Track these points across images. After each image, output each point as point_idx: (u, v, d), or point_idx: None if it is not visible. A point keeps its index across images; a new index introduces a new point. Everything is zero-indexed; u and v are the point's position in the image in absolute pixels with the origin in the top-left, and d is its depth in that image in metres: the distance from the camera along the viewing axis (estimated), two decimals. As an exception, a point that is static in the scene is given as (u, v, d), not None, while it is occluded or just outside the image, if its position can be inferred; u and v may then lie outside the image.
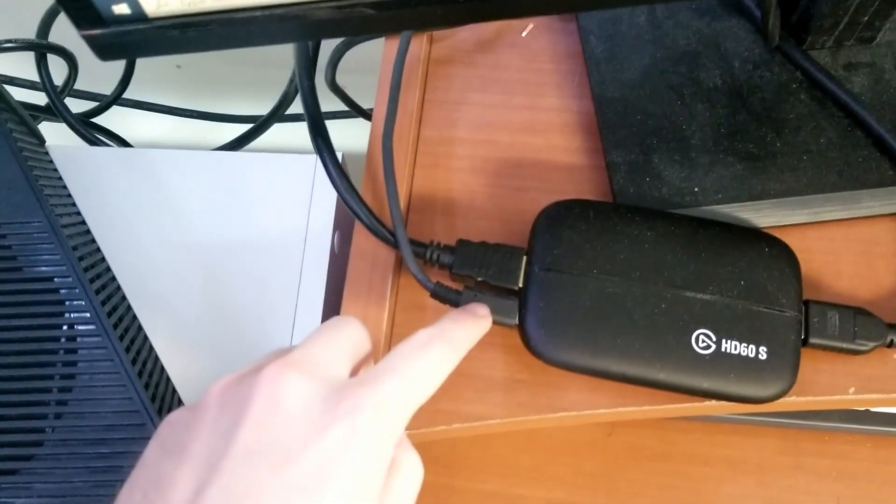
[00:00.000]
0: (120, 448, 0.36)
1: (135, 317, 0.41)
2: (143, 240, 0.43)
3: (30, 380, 0.37)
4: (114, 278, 0.42)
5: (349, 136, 0.56)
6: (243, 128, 0.55)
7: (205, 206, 0.44)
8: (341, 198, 0.35)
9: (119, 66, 0.57)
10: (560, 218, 0.33)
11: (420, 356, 0.25)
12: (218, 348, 0.40)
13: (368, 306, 0.35)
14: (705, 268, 0.31)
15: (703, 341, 0.30)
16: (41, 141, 0.47)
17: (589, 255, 0.32)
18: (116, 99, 0.58)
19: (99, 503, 0.35)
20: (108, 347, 0.37)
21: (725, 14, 0.39)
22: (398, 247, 0.34)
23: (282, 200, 0.44)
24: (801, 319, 0.31)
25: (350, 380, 0.24)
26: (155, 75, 0.70)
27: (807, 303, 0.32)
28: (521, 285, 0.32)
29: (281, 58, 0.49)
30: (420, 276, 0.33)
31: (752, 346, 0.30)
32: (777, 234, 0.33)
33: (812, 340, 0.31)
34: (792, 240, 0.33)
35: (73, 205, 0.44)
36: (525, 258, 0.33)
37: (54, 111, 0.54)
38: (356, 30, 0.27)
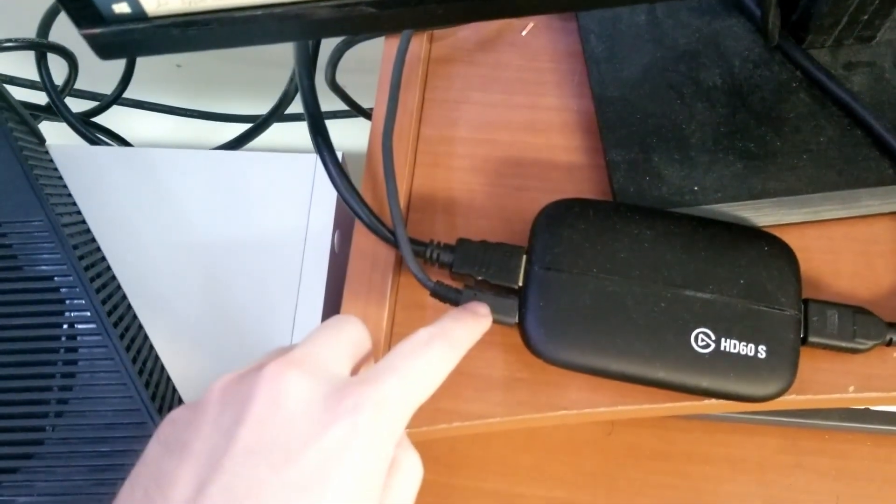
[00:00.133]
0: (120, 447, 0.36)
1: (135, 316, 0.41)
2: (143, 239, 0.43)
3: (30, 378, 0.37)
4: (114, 277, 0.42)
5: (349, 136, 0.56)
6: (243, 127, 0.55)
7: (205, 206, 0.44)
8: (341, 197, 0.35)
9: (119, 65, 0.57)
10: (560, 217, 0.33)
11: (421, 355, 0.25)
12: (218, 347, 0.40)
13: (368, 305, 0.35)
14: (705, 267, 0.31)
15: (703, 340, 0.30)
16: (41, 140, 0.47)
17: (589, 254, 0.32)
18: (117, 98, 0.58)
19: (99, 502, 0.35)
20: (108, 346, 0.38)
21: (725, 13, 0.39)
22: (398, 246, 0.34)
23: (282, 200, 0.44)
24: (800, 318, 0.31)
25: (351, 379, 0.24)
26: (155, 75, 0.70)
27: (806, 301, 0.32)
28: (521, 284, 0.32)
29: (281, 57, 0.49)
30: (420, 275, 0.33)
31: (752, 345, 0.30)
32: (776, 232, 0.33)
33: (811, 339, 0.31)
34: (791, 239, 0.33)
35: (74, 204, 0.44)
36: (525, 257, 0.33)
37: (55, 110, 0.54)
38: (356, 29, 0.27)
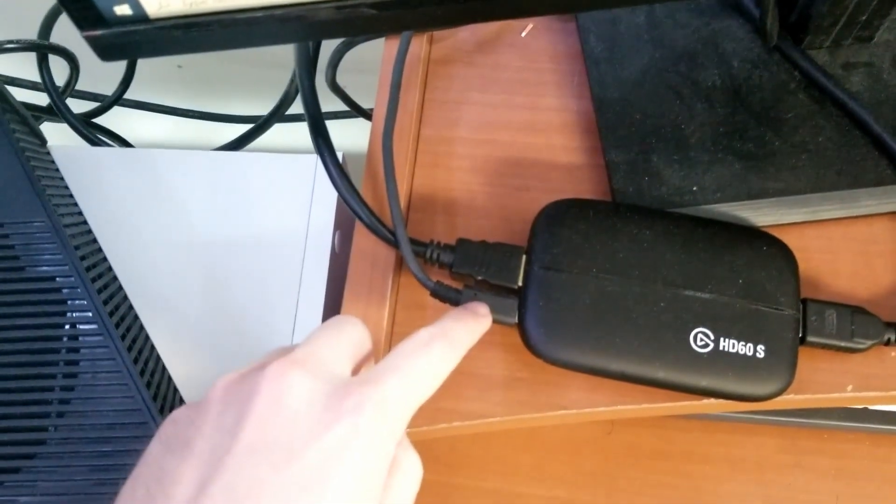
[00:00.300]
0: (122, 446, 0.36)
1: (136, 316, 0.41)
2: (144, 240, 0.43)
3: (32, 379, 0.37)
4: (115, 278, 0.42)
5: (349, 136, 0.57)
6: (244, 128, 0.56)
7: (206, 206, 0.44)
8: (342, 197, 0.35)
9: (120, 66, 0.57)
10: (560, 217, 0.33)
11: (421, 355, 0.25)
12: (219, 347, 0.41)
13: (369, 305, 0.35)
14: (704, 267, 0.32)
15: (702, 340, 0.30)
16: (43, 141, 0.47)
17: (588, 254, 0.32)
18: (118, 99, 0.58)
19: (101, 501, 0.35)
20: (109, 346, 0.38)
21: (724, 14, 0.39)
22: (398, 246, 0.34)
23: (283, 200, 0.44)
24: (798, 318, 0.31)
25: (352, 379, 0.24)
26: (156, 76, 0.70)
27: (805, 301, 0.32)
28: (520, 284, 0.32)
29: (281, 58, 0.49)
30: (420, 276, 0.33)
31: (751, 345, 0.30)
32: (775, 232, 0.33)
33: (810, 339, 0.31)
34: (790, 239, 0.33)
35: (75, 205, 0.44)
36: (525, 257, 0.33)
37: (56, 111, 0.54)
38: (357, 30, 0.27)
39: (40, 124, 0.51)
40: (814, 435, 0.44)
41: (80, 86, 0.55)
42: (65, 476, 0.36)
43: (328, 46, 0.41)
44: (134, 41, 0.26)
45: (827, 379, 0.33)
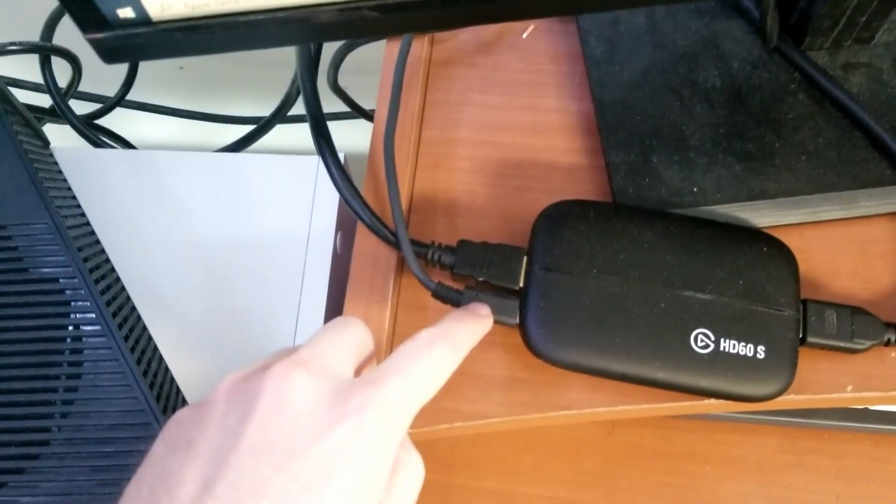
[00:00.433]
0: (125, 447, 0.36)
1: (139, 317, 0.41)
2: (147, 241, 0.43)
3: (36, 380, 0.37)
4: (118, 279, 0.42)
5: (351, 137, 0.57)
6: (246, 129, 0.56)
7: (208, 207, 0.44)
8: (343, 198, 0.35)
9: (122, 67, 0.57)
10: (560, 218, 0.33)
11: (424, 356, 0.25)
12: (222, 348, 0.41)
13: (370, 306, 0.35)
14: (704, 267, 0.32)
15: (702, 340, 0.31)
16: (46, 143, 0.47)
17: (589, 255, 0.32)
18: (120, 101, 0.58)
19: (104, 502, 0.36)
20: (113, 347, 0.38)
21: (724, 15, 0.39)
22: (400, 247, 0.34)
23: (284, 201, 0.44)
24: (799, 319, 0.31)
25: (355, 380, 0.24)
26: (158, 77, 0.70)
27: (805, 302, 0.32)
28: (521, 285, 0.32)
29: (283, 59, 0.49)
30: (421, 277, 0.33)
31: (751, 346, 0.30)
32: (775, 233, 0.33)
33: (810, 339, 0.31)
34: (790, 239, 0.33)
35: (78, 206, 0.44)
36: (526, 258, 0.33)
37: (58, 113, 0.54)
38: (358, 32, 0.28)
39: (43, 126, 0.51)
40: (814, 435, 0.44)
41: (82, 87, 0.55)
42: (68, 476, 0.36)
43: (330, 48, 0.41)
44: (136, 44, 0.26)
45: (827, 379, 0.33)
